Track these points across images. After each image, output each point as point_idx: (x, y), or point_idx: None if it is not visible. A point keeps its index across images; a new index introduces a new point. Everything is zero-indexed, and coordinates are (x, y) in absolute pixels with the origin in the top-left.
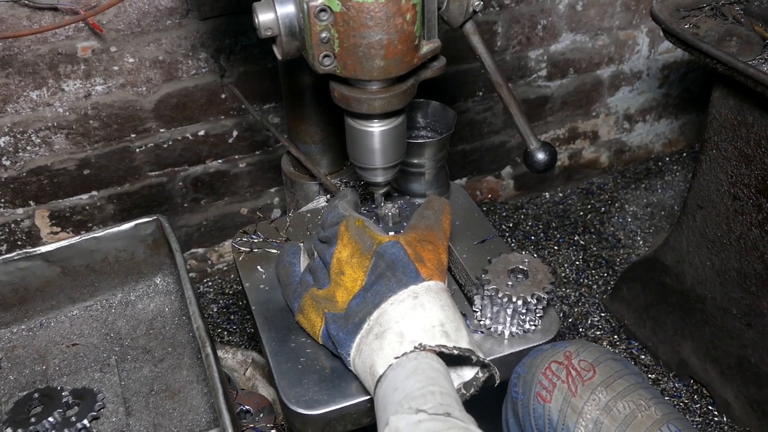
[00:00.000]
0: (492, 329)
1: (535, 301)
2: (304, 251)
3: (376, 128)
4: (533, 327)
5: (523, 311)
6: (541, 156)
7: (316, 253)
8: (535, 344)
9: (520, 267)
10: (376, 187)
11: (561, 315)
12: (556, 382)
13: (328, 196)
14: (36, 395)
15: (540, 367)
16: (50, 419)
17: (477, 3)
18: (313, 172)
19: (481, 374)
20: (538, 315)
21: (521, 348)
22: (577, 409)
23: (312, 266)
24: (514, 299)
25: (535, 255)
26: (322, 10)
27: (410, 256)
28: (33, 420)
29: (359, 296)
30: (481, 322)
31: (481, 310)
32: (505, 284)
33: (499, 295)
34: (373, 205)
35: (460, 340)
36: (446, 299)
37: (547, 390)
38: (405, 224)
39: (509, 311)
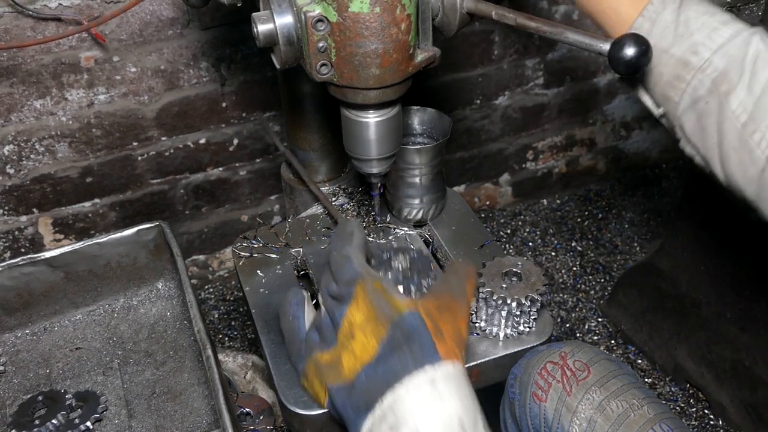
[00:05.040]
0: (487, 331)
1: (529, 303)
2: (308, 300)
3: (372, 119)
4: (528, 329)
5: (517, 313)
6: (630, 51)
7: (324, 308)
8: (529, 346)
9: (514, 270)
10: (371, 178)
11: (558, 320)
12: (551, 382)
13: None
14: (40, 398)
15: (536, 368)
16: (54, 421)
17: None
18: (322, 202)
19: None
20: (532, 317)
21: (516, 350)
22: (572, 408)
23: (318, 322)
24: (508, 301)
25: (533, 260)
26: (319, 20)
27: (429, 329)
28: (37, 422)
29: (370, 369)
30: (477, 325)
31: (476, 313)
32: (499, 287)
33: (494, 298)
34: (373, 192)
35: (465, 424)
36: (464, 386)
37: (543, 390)
38: (415, 279)
39: (504, 313)
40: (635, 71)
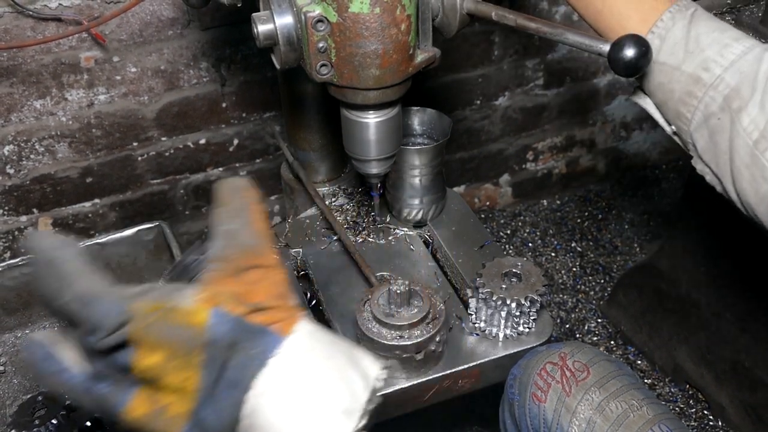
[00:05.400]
0: (487, 332)
1: (529, 303)
2: (59, 339)
3: (372, 119)
4: (527, 329)
5: (517, 314)
6: (630, 52)
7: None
8: (529, 346)
9: (514, 270)
10: (371, 178)
11: (558, 321)
12: (550, 383)
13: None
14: (39, 398)
15: (535, 368)
16: (53, 421)
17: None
18: (332, 224)
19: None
20: (531, 318)
21: (515, 350)
22: (571, 408)
23: (97, 372)
24: (508, 302)
25: (532, 261)
26: (320, 20)
27: (245, 318)
28: (36, 422)
29: (207, 397)
30: (476, 325)
31: (476, 313)
32: (499, 287)
33: (494, 298)
34: (373, 193)
35: (355, 389)
36: (310, 350)
37: (542, 390)
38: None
39: (503, 314)
40: (635, 72)
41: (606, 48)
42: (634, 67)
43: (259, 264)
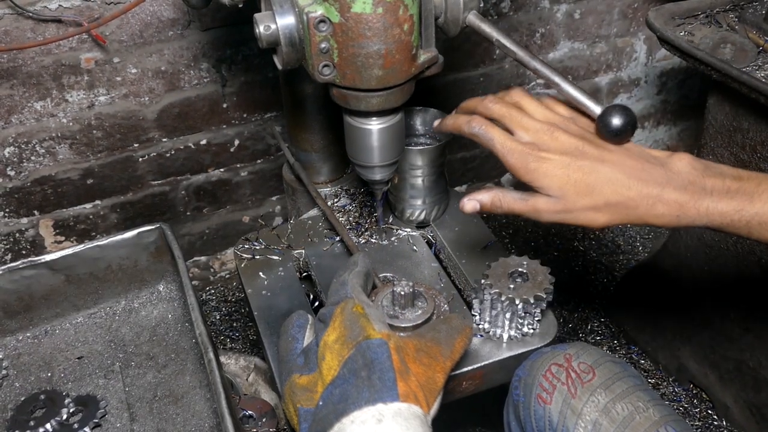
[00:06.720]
0: (491, 333)
1: (538, 301)
2: (311, 325)
3: (374, 126)
4: (531, 330)
5: (522, 314)
6: (617, 122)
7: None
8: (533, 347)
9: (520, 270)
10: (374, 184)
11: (561, 320)
12: (556, 384)
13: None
14: (42, 396)
15: (540, 370)
16: (48, 426)
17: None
18: (334, 225)
19: None
20: (536, 318)
21: (520, 351)
22: (577, 410)
23: (308, 346)
24: (517, 302)
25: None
26: (322, 21)
27: (393, 363)
28: (32, 424)
29: (327, 392)
30: (480, 326)
31: (479, 314)
32: (506, 287)
33: (502, 299)
34: (379, 203)
35: None
36: (416, 428)
37: (548, 392)
38: (408, 310)
39: (508, 315)
40: (621, 140)
41: (597, 111)
42: (622, 133)
43: (434, 357)
